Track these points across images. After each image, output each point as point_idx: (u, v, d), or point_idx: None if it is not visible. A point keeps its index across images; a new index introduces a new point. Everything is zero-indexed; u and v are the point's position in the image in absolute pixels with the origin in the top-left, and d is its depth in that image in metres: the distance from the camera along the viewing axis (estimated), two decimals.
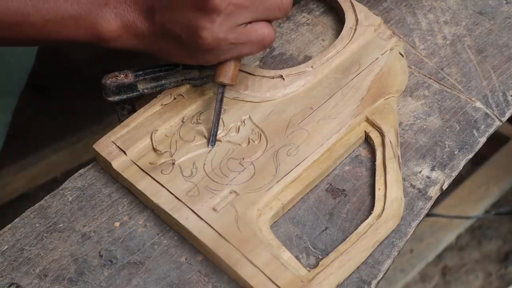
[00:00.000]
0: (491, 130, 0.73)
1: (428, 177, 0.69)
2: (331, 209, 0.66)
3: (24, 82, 0.93)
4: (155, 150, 0.67)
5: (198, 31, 0.62)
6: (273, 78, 0.73)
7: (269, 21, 0.65)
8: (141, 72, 0.70)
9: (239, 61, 0.68)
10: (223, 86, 0.68)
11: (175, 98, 0.71)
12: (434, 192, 0.68)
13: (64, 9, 0.64)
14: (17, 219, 0.65)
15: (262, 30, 0.64)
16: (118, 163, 0.67)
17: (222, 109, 0.70)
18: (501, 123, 0.74)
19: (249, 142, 0.68)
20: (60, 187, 0.68)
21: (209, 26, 0.61)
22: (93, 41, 0.66)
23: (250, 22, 0.64)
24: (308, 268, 0.61)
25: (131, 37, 0.66)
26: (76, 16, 0.64)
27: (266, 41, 0.65)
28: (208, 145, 0.68)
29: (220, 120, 0.70)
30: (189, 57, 0.67)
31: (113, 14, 0.65)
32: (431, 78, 0.77)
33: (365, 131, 0.70)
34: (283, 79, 0.73)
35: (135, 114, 0.70)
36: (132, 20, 0.65)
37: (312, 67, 0.74)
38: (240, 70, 0.74)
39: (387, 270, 0.63)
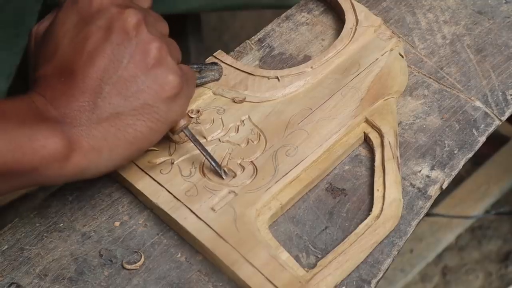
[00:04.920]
0: (490, 130, 0.73)
1: (428, 176, 0.69)
2: (331, 208, 0.66)
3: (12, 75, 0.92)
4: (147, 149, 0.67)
5: (163, 80, 0.58)
6: (269, 78, 0.73)
7: None
8: None
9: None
10: (187, 129, 0.65)
11: None
12: (434, 191, 0.68)
13: None
14: (17, 219, 0.65)
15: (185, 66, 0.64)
16: None
17: (221, 109, 0.71)
18: (500, 123, 0.74)
19: (248, 142, 0.69)
20: (60, 187, 0.68)
21: (169, 70, 0.59)
22: (42, 166, 0.54)
23: None
24: (307, 268, 0.61)
25: (86, 150, 0.57)
26: (13, 138, 0.53)
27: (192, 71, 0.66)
28: (222, 176, 0.65)
29: (220, 120, 0.70)
30: (161, 123, 0.60)
31: (51, 129, 0.55)
32: (430, 78, 0.77)
33: (364, 132, 0.70)
34: (278, 80, 0.73)
35: None
36: (80, 132, 0.56)
37: (311, 67, 0.75)
38: (240, 70, 0.74)
39: (387, 270, 0.63)
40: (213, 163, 0.65)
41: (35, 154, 0.54)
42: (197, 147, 0.66)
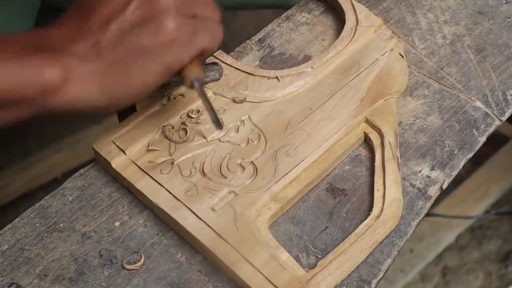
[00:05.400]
0: (491, 130, 0.73)
1: (428, 177, 0.69)
2: (331, 208, 0.66)
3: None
4: (149, 150, 0.67)
5: (160, 22, 0.61)
6: (269, 78, 0.73)
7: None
8: None
9: (198, 60, 0.67)
10: (197, 81, 0.65)
11: (175, 98, 0.72)
12: (434, 191, 0.68)
13: None
14: (17, 219, 0.66)
15: (210, 20, 0.65)
16: (117, 162, 0.67)
17: (221, 109, 0.71)
18: (500, 123, 0.74)
19: (248, 142, 0.69)
20: (60, 187, 0.68)
21: (168, 14, 0.62)
22: (39, 97, 0.58)
23: (196, 17, 0.64)
24: (307, 268, 0.61)
25: (81, 81, 0.60)
26: (10, 69, 0.57)
27: (219, 32, 0.66)
28: (221, 128, 0.67)
29: (220, 120, 0.70)
30: (155, 66, 0.62)
31: (49, 59, 0.59)
32: (431, 78, 0.77)
33: (364, 132, 0.70)
34: (278, 80, 0.73)
35: (134, 114, 0.71)
36: (75, 62, 0.59)
37: (312, 67, 0.75)
38: (241, 70, 0.74)
39: (387, 270, 0.63)
40: (212, 116, 0.66)
41: (29, 82, 0.58)
42: (202, 100, 0.66)
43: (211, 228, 0.62)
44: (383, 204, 0.64)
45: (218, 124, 0.66)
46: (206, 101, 0.66)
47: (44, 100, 0.59)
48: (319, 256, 0.62)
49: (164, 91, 0.72)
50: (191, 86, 0.65)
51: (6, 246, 0.63)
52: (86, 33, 0.61)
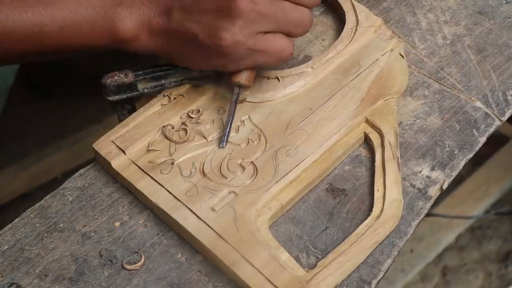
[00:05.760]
0: (491, 130, 0.73)
1: (428, 177, 0.69)
2: (331, 208, 0.66)
3: (11, 82, 0.93)
4: (149, 150, 0.67)
5: (219, 31, 0.63)
6: (269, 79, 0.73)
7: (289, 36, 0.66)
8: (141, 72, 0.70)
9: (255, 69, 0.69)
10: (239, 87, 0.68)
11: (175, 98, 0.72)
12: (434, 191, 0.68)
13: (79, 13, 0.64)
14: (17, 219, 0.66)
15: (281, 41, 0.65)
16: (117, 162, 0.67)
17: (221, 109, 0.71)
18: (501, 123, 0.74)
19: (248, 142, 0.69)
20: (60, 187, 0.68)
21: (230, 27, 0.62)
22: (110, 43, 0.66)
23: (270, 32, 0.65)
24: (307, 268, 0.61)
25: (147, 37, 0.66)
26: (91, 19, 0.65)
27: (283, 53, 0.66)
28: (219, 145, 0.68)
29: (220, 120, 0.70)
30: (203, 59, 0.67)
31: (128, 13, 0.65)
32: (431, 78, 0.77)
33: (364, 132, 0.70)
34: (278, 80, 0.73)
35: (135, 114, 0.71)
36: (148, 19, 0.65)
37: (312, 67, 0.74)
38: None
39: (387, 270, 0.63)
40: (225, 129, 0.67)
41: (103, 34, 0.66)
42: (229, 109, 0.68)
43: (211, 228, 0.62)
44: (383, 204, 0.64)
45: (225, 139, 0.67)
46: (231, 112, 0.68)
47: (114, 46, 0.67)
48: (319, 256, 0.62)
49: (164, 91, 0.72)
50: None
51: (6, 246, 0.63)
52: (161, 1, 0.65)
